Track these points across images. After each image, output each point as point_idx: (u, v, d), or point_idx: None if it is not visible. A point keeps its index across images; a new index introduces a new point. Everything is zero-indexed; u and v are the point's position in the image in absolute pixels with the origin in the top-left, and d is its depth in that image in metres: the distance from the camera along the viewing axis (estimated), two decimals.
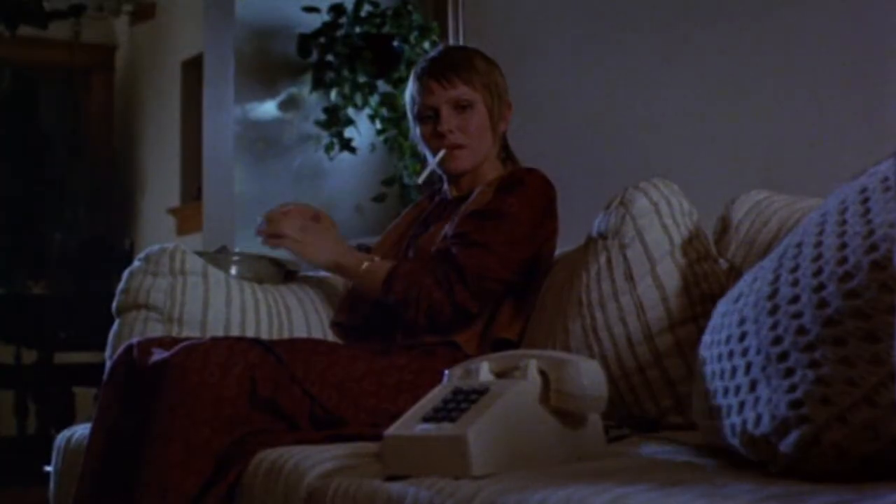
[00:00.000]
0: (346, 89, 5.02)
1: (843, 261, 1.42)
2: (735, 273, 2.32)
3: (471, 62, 2.84)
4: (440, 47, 3.01)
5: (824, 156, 3.08)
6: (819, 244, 1.49)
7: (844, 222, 1.49)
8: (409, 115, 2.91)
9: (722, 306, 1.68)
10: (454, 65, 2.81)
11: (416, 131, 2.89)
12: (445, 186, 2.97)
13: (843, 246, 1.44)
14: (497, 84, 2.86)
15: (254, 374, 2.22)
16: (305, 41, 5.11)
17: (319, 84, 5.09)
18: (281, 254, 2.90)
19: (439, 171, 2.90)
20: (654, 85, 3.65)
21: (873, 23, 2.98)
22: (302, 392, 2.27)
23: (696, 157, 3.47)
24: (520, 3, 4.29)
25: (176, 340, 2.36)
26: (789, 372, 1.40)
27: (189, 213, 7.20)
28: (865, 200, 1.50)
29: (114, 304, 2.82)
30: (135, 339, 2.41)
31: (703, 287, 2.39)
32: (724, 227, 2.42)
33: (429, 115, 2.82)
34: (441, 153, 2.81)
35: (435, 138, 2.81)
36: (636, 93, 3.72)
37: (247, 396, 2.20)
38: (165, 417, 2.13)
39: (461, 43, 4.62)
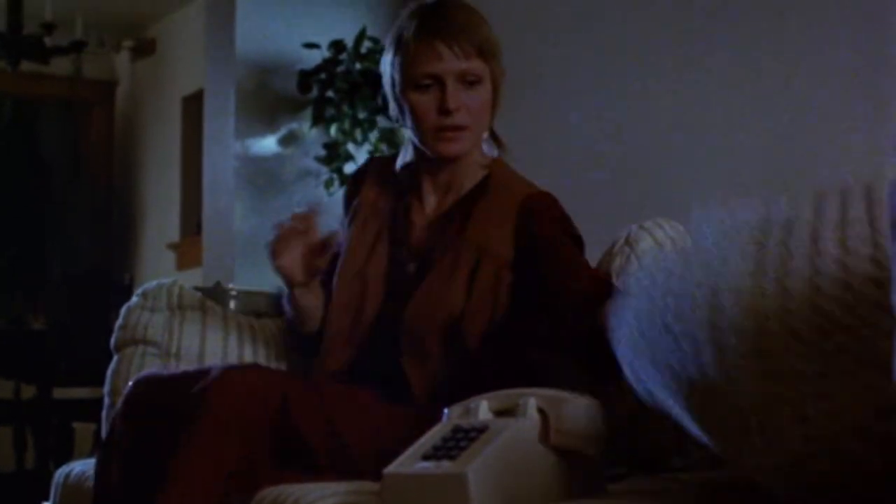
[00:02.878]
0: (346, 125, 5.04)
1: None
2: None
3: (480, 27, 2.41)
4: (433, 3, 2.45)
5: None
6: None
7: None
8: (391, 87, 2.46)
9: None
10: (465, 29, 2.38)
11: (398, 105, 2.46)
12: (414, 184, 2.56)
13: None
14: (501, 53, 2.46)
15: (289, 407, 2.17)
16: (305, 77, 5.13)
17: (319, 120, 5.10)
18: (280, 288, 2.89)
19: (425, 150, 2.46)
20: (657, 101, 3.62)
21: (878, 39, 2.98)
22: (334, 438, 2.21)
23: (701, 183, 3.46)
24: (522, 32, 4.30)
25: (188, 374, 2.32)
26: None
27: (188, 247, 7.20)
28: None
29: (112, 340, 2.82)
30: (144, 373, 2.37)
31: None
32: None
33: (427, 84, 2.38)
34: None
35: (434, 113, 2.38)
36: (640, 113, 3.68)
37: (276, 430, 2.16)
38: (192, 446, 2.10)
39: None
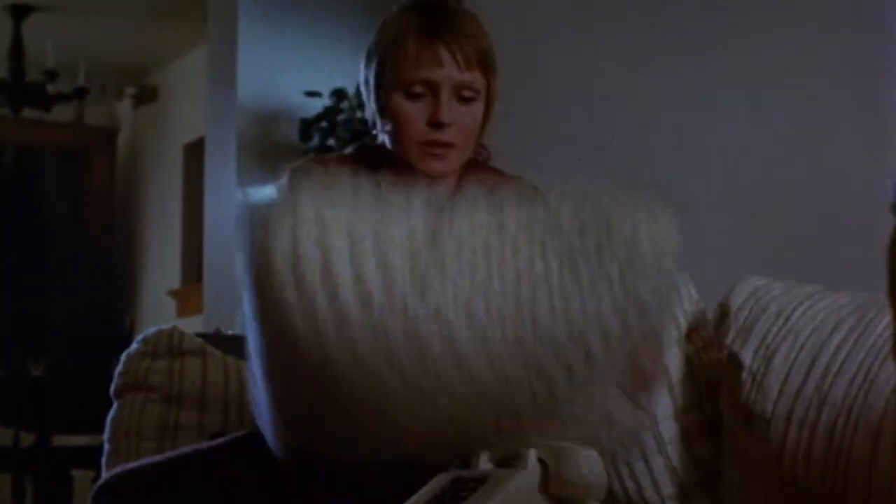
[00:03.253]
0: None
1: None
2: (734, 360, 2.32)
3: (485, 37, 2.14)
4: (433, 3, 2.17)
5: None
6: None
7: None
8: (376, 88, 2.16)
9: None
10: (469, 36, 2.11)
11: (379, 109, 2.16)
12: None
13: None
14: (499, 69, 2.19)
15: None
16: (307, 125, 5.15)
17: None
18: None
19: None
20: (654, 100, 3.58)
21: (877, 43, 2.97)
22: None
23: (697, 192, 3.41)
24: (519, 65, 4.28)
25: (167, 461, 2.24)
26: None
27: (189, 294, 7.20)
28: None
29: (112, 387, 2.82)
30: (108, 477, 2.14)
31: (708, 375, 2.39)
32: (722, 314, 2.42)
33: (419, 92, 2.10)
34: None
35: (422, 125, 2.10)
36: (639, 114, 3.64)
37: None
38: None
39: None
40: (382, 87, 2.13)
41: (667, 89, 3.56)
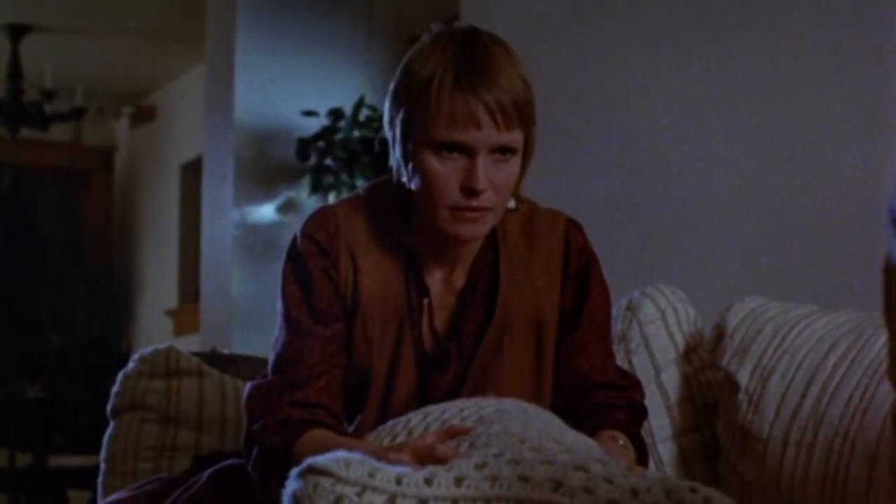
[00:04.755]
0: (345, 193, 5.05)
1: None
2: (730, 381, 2.32)
3: (521, 82, 1.91)
4: (467, 39, 1.91)
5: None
6: None
7: None
8: (402, 136, 1.93)
9: None
10: (509, 91, 1.87)
11: (404, 159, 1.94)
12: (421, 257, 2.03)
13: None
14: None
15: None
16: (304, 145, 5.16)
17: (318, 188, 5.12)
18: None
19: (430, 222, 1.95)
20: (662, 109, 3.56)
21: (876, 48, 2.96)
22: None
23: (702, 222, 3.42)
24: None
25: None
26: None
27: (186, 314, 7.20)
28: None
29: (109, 407, 2.81)
30: None
31: (706, 396, 2.39)
32: (718, 334, 2.42)
33: (450, 152, 1.88)
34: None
35: (455, 190, 1.89)
36: (643, 114, 3.62)
37: None
38: None
39: None
40: (410, 138, 1.91)
41: (666, 95, 3.54)
